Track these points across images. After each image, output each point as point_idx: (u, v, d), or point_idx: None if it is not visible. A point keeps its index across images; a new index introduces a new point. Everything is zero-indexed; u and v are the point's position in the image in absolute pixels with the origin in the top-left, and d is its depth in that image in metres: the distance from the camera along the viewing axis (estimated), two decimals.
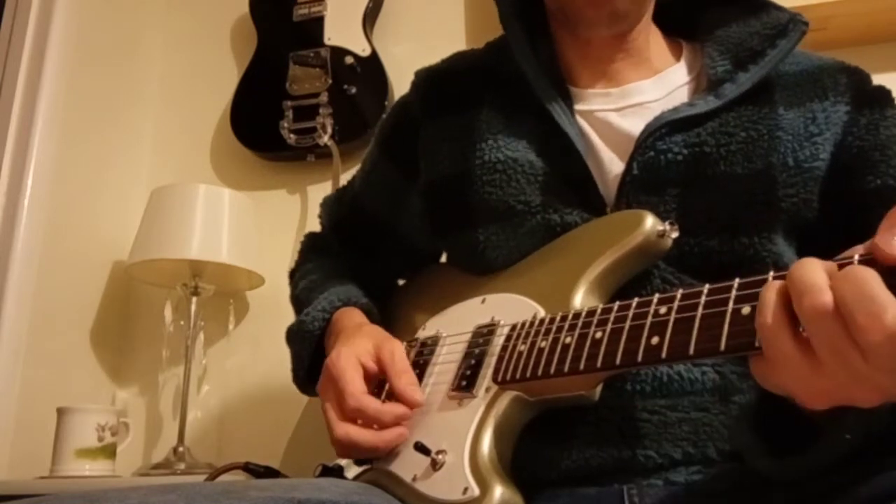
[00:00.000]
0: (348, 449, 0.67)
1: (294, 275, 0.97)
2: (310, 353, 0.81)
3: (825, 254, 0.46)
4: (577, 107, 0.76)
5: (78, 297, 1.57)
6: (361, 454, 0.68)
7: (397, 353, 0.70)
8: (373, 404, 0.66)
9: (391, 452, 0.66)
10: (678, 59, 0.80)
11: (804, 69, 0.74)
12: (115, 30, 1.75)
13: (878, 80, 0.76)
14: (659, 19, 0.82)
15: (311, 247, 1.00)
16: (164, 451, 1.44)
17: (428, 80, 0.87)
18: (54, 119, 1.55)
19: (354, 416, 0.66)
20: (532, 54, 0.78)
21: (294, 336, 0.84)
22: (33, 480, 1.29)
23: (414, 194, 0.85)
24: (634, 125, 0.72)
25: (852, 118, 0.72)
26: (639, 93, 0.76)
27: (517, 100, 0.77)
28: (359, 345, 0.71)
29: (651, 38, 0.81)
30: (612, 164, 0.72)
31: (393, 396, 0.68)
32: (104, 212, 1.66)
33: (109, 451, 1.32)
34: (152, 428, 1.59)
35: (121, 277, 1.63)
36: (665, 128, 0.69)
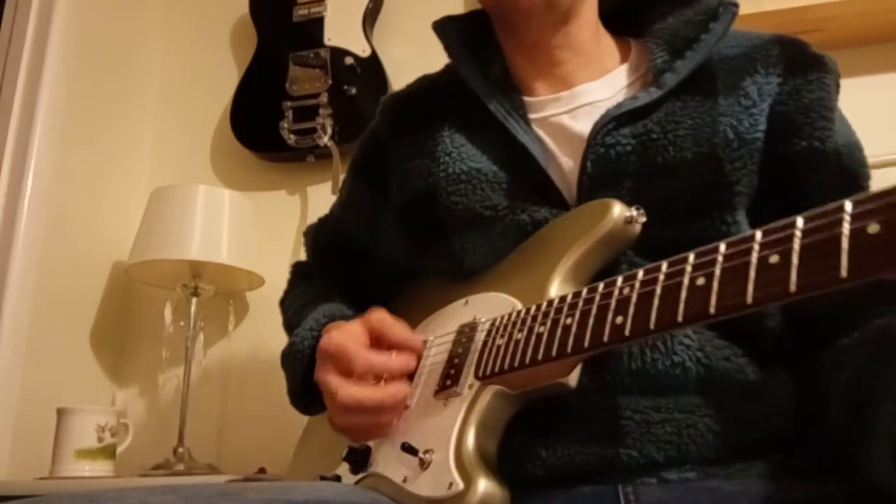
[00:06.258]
0: (353, 414, 0.68)
1: (284, 302, 0.98)
2: (303, 371, 0.81)
3: (768, 223, 0.46)
4: (532, 115, 0.78)
5: (78, 297, 1.57)
6: (366, 418, 0.68)
7: (385, 317, 0.73)
8: (381, 357, 0.69)
9: (384, 456, 0.67)
10: (626, 58, 0.82)
11: (743, 52, 0.75)
12: (115, 30, 1.75)
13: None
14: (610, 21, 0.85)
15: (299, 274, 1.02)
16: (164, 452, 1.44)
17: (393, 104, 0.91)
18: (54, 119, 1.55)
19: (364, 375, 0.68)
20: (481, 74, 0.81)
21: (286, 359, 0.84)
22: (33, 481, 1.29)
23: (389, 216, 0.87)
24: (585, 125, 0.73)
25: (781, 88, 0.73)
26: (588, 93, 0.78)
27: (476, 116, 0.80)
28: (345, 327, 0.73)
29: (601, 40, 0.83)
30: (569, 165, 0.74)
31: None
32: (104, 212, 1.66)
33: (109, 452, 1.32)
34: (152, 428, 1.59)
35: (121, 278, 1.63)
36: (612, 122, 0.71)
